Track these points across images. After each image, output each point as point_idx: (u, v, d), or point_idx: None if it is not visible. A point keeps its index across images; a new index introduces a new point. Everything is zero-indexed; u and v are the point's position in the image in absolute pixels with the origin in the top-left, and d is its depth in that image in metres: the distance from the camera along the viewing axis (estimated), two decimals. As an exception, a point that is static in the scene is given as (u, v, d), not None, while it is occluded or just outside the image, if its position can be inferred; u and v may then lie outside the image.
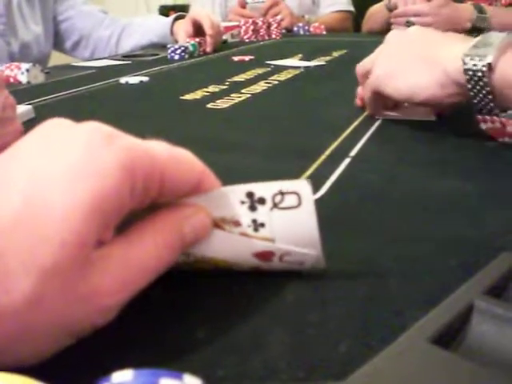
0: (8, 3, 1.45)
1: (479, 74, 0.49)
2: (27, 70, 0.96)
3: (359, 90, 0.67)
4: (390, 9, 1.66)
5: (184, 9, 3.70)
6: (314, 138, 0.59)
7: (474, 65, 0.49)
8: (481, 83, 0.49)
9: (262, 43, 1.57)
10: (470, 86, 0.50)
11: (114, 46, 1.60)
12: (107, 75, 1.00)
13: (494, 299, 0.24)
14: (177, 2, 3.87)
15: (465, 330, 0.23)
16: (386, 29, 1.73)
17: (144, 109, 0.75)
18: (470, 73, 0.49)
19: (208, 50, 1.32)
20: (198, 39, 1.31)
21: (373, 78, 0.60)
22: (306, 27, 1.85)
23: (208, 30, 1.35)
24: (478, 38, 0.52)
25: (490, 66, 0.48)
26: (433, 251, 0.34)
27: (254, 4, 2.05)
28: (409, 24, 1.55)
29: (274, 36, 1.68)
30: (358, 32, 2.08)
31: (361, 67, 0.65)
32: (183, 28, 1.40)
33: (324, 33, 1.85)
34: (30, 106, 0.67)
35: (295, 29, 1.86)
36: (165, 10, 3.75)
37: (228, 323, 0.26)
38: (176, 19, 1.49)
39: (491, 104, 0.50)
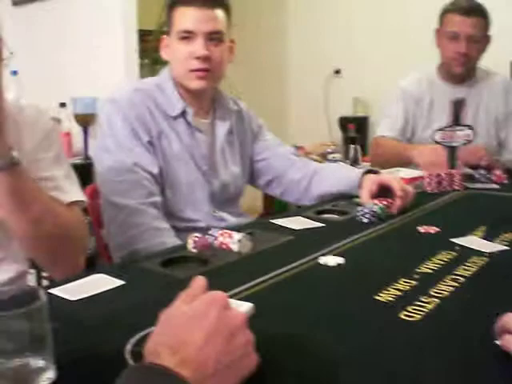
0: (211, 146, 1.65)
1: None
2: (239, 241, 1.12)
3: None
4: None
5: (364, 120, 3.85)
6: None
7: None
8: None
9: (441, 205, 1.61)
10: None
11: (304, 189, 1.72)
12: (306, 249, 1.13)
13: None
14: (356, 114, 4.04)
15: None
16: None
17: (336, 304, 0.87)
18: None
19: (394, 211, 1.42)
20: (385, 202, 1.41)
21: None
22: (488, 175, 1.89)
23: (398, 191, 1.44)
24: None
25: None
26: None
27: None
28: None
29: (455, 187, 1.74)
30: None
31: (503, 324, 0.67)
32: (368, 186, 1.50)
33: (505, 182, 1.88)
34: (251, 305, 0.78)
35: (477, 176, 1.90)
36: (344, 121, 3.92)
37: None
38: (366, 173, 1.59)
39: None
